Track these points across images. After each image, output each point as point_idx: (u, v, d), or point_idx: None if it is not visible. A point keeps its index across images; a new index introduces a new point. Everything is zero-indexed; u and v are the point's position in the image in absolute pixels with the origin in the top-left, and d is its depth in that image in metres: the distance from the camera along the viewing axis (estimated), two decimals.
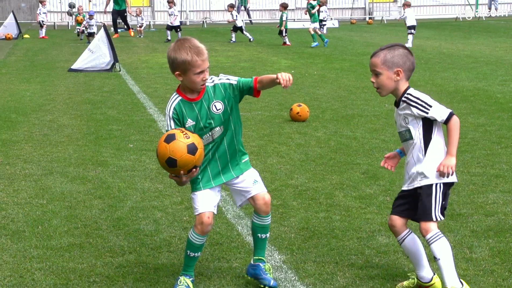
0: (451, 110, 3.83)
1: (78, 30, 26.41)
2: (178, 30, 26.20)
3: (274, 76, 3.86)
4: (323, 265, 4.45)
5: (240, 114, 4.10)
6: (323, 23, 31.69)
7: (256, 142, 8.15)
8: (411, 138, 3.91)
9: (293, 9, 43.34)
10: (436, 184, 3.84)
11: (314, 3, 24.05)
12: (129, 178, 6.65)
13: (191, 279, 4.11)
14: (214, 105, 3.96)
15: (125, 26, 29.53)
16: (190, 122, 3.95)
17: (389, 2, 45.26)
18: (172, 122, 3.97)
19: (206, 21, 39.56)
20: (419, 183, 3.88)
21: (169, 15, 26.91)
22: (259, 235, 4.19)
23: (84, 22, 26.40)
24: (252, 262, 4.24)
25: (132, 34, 29.00)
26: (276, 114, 10.16)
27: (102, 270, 4.42)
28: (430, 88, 12.64)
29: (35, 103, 11.49)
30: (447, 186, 3.88)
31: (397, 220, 4.03)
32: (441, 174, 3.81)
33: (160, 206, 5.77)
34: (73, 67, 16.13)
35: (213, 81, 4.00)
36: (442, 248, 3.80)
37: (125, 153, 7.73)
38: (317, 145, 8.11)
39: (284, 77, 3.82)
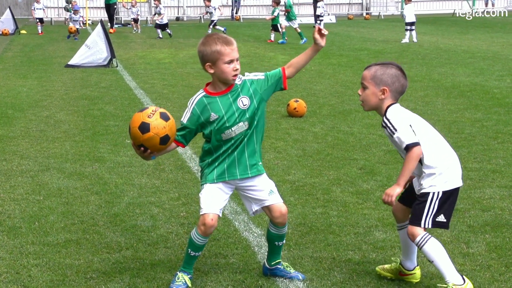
0: (415, 141, 3.69)
1: (76, 38, 25.97)
2: (166, 28, 26.00)
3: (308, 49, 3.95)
4: (320, 261, 4.45)
5: (265, 116, 4.08)
6: (321, 18, 31.70)
7: None
8: (402, 158, 3.89)
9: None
10: (433, 192, 3.77)
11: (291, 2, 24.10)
12: (126, 174, 6.64)
13: (189, 276, 4.11)
14: (241, 100, 3.94)
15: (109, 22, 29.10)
16: (213, 116, 3.92)
17: None
18: (188, 114, 3.97)
19: (203, 16, 39.48)
20: (418, 191, 3.85)
21: (157, 14, 26.70)
22: (276, 243, 4.19)
23: (68, 17, 26.27)
24: (268, 266, 4.23)
25: (112, 31, 28.44)
26: (273, 110, 10.15)
27: (99, 266, 4.41)
28: (427, 84, 12.65)
29: (32, 99, 11.47)
30: (447, 193, 3.77)
31: (399, 208, 4.04)
32: (384, 202, 3.80)
33: (157, 202, 5.76)
34: (70, 62, 16.10)
35: (240, 78, 3.99)
36: (433, 249, 3.76)
37: (122, 149, 7.72)
38: (314, 140, 8.11)
39: (320, 31, 3.90)
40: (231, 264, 4.43)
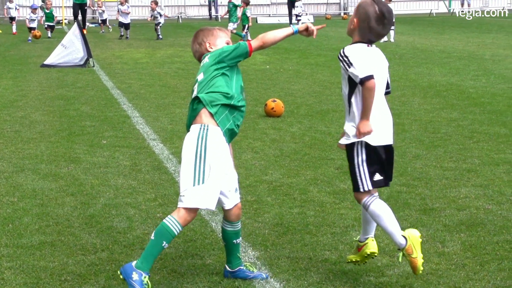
0: (369, 74, 3.73)
1: (49, 36, 25.66)
2: (127, 28, 25.85)
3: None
4: (296, 261, 4.45)
5: None
6: (298, 18, 31.79)
7: None
8: (345, 105, 3.96)
9: (268, 4, 43.35)
10: (357, 144, 3.81)
11: (237, 2, 23.95)
12: (102, 175, 6.58)
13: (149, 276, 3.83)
14: None
15: (82, 22, 28.68)
16: None
17: None
18: None
19: (181, 16, 39.40)
20: (344, 141, 3.91)
21: (122, 12, 26.35)
22: (234, 241, 4.13)
23: (28, 16, 25.88)
24: (229, 269, 4.15)
25: (84, 31, 28.05)
26: (251, 110, 10.14)
27: (74, 268, 4.36)
28: (404, 83, 12.73)
29: (7, 99, 11.33)
30: (370, 148, 3.80)
31: None
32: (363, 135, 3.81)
33: (134, 203, 5.72)
34: (46, 62, 15.93)
35: None
36: (378, 209, 3.82)
37: (98, 149, 7.66)
38: (291, 140, 8.11)
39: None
40: (208, 265, 4.41)
